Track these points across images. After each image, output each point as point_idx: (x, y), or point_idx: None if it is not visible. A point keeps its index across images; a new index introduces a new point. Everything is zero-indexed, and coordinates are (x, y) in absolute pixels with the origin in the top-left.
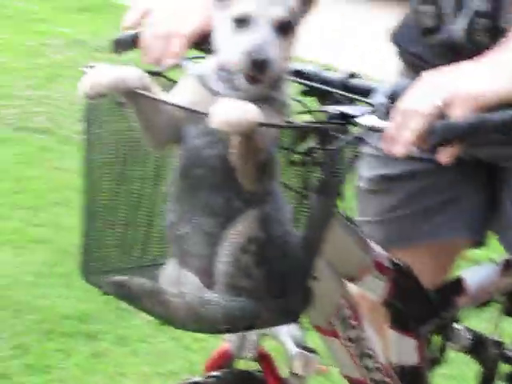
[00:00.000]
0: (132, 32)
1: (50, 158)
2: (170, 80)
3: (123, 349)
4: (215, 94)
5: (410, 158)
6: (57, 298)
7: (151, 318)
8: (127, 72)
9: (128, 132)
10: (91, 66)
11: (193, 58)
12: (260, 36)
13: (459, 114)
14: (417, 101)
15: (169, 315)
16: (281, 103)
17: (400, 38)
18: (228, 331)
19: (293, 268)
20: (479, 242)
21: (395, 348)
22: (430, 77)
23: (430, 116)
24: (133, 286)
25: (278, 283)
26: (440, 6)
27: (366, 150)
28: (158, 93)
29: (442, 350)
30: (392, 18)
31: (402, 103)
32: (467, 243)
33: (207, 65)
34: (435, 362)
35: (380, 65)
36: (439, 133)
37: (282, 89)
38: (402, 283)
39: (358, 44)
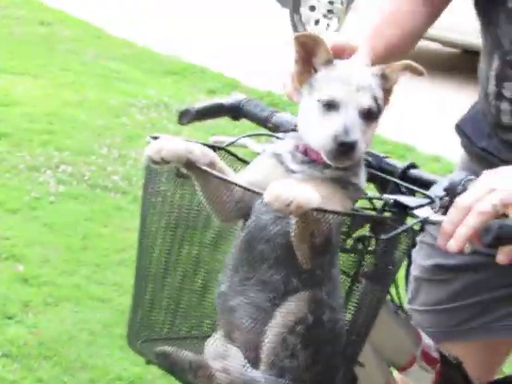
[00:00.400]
0: (198, 105)
1: (120, 217)
2: (232, 155)
3: None
4: (290, 172)
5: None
6: (111, 358)
7: None
8: (194, 146)
9: (187, 202)
10: (156, 137)
11: (254, 134)
12: (348, 120)
13: None
14: (475, 198)
15: None
16: (355, 187)
17: (468, 130)
18: None
19: (339, 354)
20: None
21: None
22: (491, 174)
23: (486, 214)
24: (178, 359)
25: (323, 367)
26: None
27: (423, 238)
28: (223, 168)
29: None
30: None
31: (461, 199)
32: None
33: (283, 144)
34: None
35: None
36: (494, 232)
37: (359, 173)
38: (449, 377)
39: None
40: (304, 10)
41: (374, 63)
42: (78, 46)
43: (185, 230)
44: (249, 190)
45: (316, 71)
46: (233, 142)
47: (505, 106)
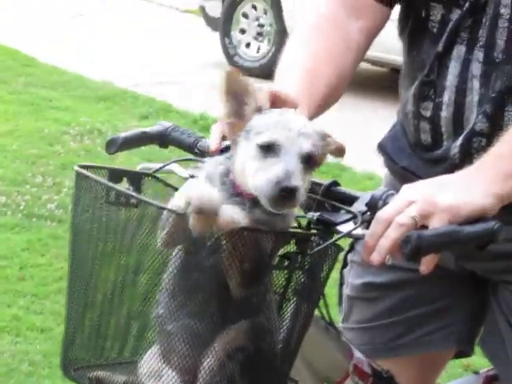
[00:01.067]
0: (125, 133)
1: (57, 246)
2: (160, 181)
3: None
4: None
5: (393, 268)
6: None
7: None
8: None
9: (114, 222)
10: (85, 166)
11: (180, 160)
12: (290, 165)
13: (436, 224)
14: (395, 211)
15: None
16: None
17: (390, 149)
18: None
19: (274, 373)
20: (465, 353)
21: None
22: (409, 188)
23: (405, 226)
24: (111, 383)
25: None
26: (438, 124)
27: (353, 257)
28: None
29: None
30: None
31: (381, 213)
32: (453, 353)
33: (214, 170)
34: None
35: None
36: (413, 242)
37: (286, 218)
38: None
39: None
40: (234, 34)
41: (316, 104)
42: (7, 75)
43: (107, 255)
44: (164, 208)
45: (246, 119)
46: (160, 169)
47: (424, 125)
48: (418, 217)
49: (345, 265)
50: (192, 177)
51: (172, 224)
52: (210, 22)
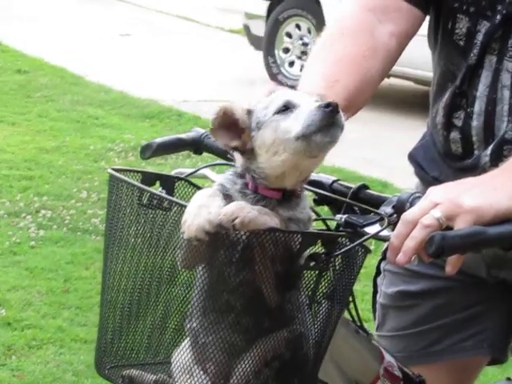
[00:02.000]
0: (160, 139)
1: (101, 260)
2: (194, 185)
3: None
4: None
5: (426, 276)
6: None
7: None
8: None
9: (149, 236)
10: (119, 170)
11: (212, 165)
12: (312, 100)
13: (460, 226)
14: (420, 213)
15: None
16: (304, 222)
17: (420, 159)
18: None
19: (305, 376)
20: (499, 360)
21: None
22: (435, 190)
23: (430, 227)
24: (144, 381)
25: None
26: (469, 133)
27: (386, 266)
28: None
29: None
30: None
31: (406, 214)
32: (487, 361)
33: (232, 184)
34: None
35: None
36: (438, 243)
37: (305, 210)
38: None
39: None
40: (278, 52)
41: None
42: (55, 93)
43: (145, 262)
44: (170, 199)
45: (243, 132)
46: (193, 173)
47: (454, 135)
48: (443, 218)
49: (378, 273)
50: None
51: (188, 243)
52: (254, 40)
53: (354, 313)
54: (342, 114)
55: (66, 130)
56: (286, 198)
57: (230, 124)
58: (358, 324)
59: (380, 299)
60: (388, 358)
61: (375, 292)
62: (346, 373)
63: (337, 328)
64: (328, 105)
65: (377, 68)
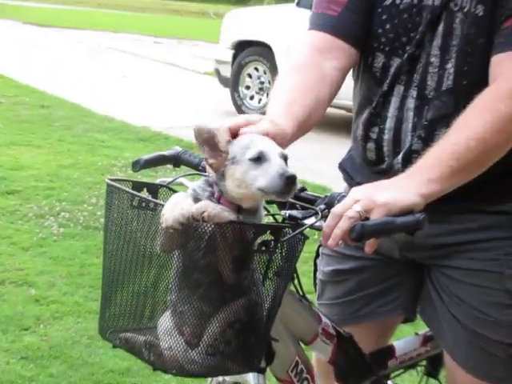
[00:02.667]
0: (146, 156)
1: None
2: (173, 190)
3: None
4: None
5: (353, 257)
6: (106, 356)
7: None
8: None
9: (136, 222)
10: (114, 180)
11: (188, 175)
12: (280, 162)
13: (375, 217)
14: (344, 207)
15: (162, 364)
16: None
17: (348, 168)
18: (206, 377)
19: (259, 335)
20: (410, 319)
21: None
22: (356, 189)
23: (352, 218)
24: (135, 341)
25: (248, 347)
26: (382, 144)
27: (323, 250)
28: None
29: None
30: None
31: (334, 209)
32: (401, 320)
33: (202, 191)
34: None
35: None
36: (357, 231)
37: (260, 217)
38: (344, 348)
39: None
40: (241, 89)
41: (294, 124)
42: (71, 123)
43: (135, 246)
44: (154, 201)
45: (223, 154)
46: (172, 181)
47: (370, 145)
48: (362, 211)
49: (317, 256)
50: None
51: (166, 231)
52: (223, 80)
53: (298, 287)
54: (296, 186)
55: (79, 151)
56: (241, 211)
57: (212, 143)
58: (301, 294)
59: (319, 276)
60: (325, 320)
61: (315, 270)
62: (293, 332)
63: (285, 297)
64: (289, 177)
65: (324, 93)
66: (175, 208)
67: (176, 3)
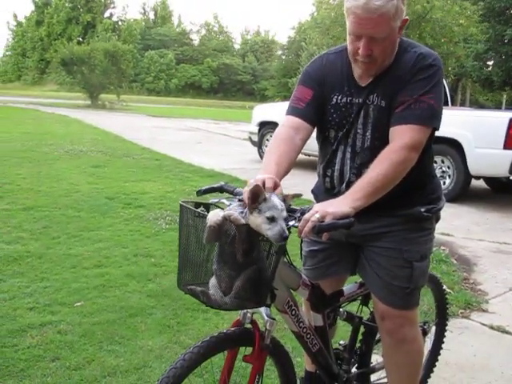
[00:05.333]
0: (204, 187)
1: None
2: (218, 207)
3: None
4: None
5: (320, 242)
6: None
7: None
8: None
9: (198, 225)
10: (184, 201)
11: (228, 198)
12: (282, 225)
13: (327, 220)
14: (310, 215)
15: (210, 303)
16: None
17: (316, 192)
18: (233, 310)
19: (265, 284)
20: (352, 275)
21: (313, 319)
22: (317, 205)
23: (313, 222)
24: (196, 291)
25: (259, 291)
26: (333, 179)
27: (304, 239)
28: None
29: (335, 319)
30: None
31: (304, 216)
32: (348, 276)
33: (236, 205)
34: (331, 324)
35: None
36: (317, 229)
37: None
38: (315, 292)
39: None
40: (263, 148)
41: (280, 174)
42: (171, 168)
43: (196, 236)
44: (203, 213)
45: (259, 203)
46: (217, 202)
47: (327, 179)
48: (320, 217)
49: (301, 242)
50: (229, 204)
51: (209, 229)
52: (254, 143)
53: (288, 259)
54: (288, 238)
55: (176, 183)
56: None
57: (256, 197)
58: (290, 263)
59: (303, 253)
60: (304, 277)
61: (301, 249)
62: (285, 283)
63: (281, 264)
64: (285, 238)
65: (293, 155)
66: (214, 215)
67: (227, 101)
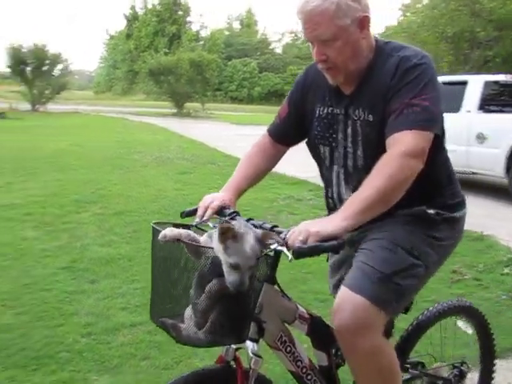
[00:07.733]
0: (191, 208)
1: None
2: (200, 229)
3: None
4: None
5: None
6: None
7: None
8: (183, 231)
9: (173, 252)
10: (159, 223)
11: (212, 218)
12: (243, 278)
13: (311, 241)
14: (296, 234)
15: (180, 339)
16: None
17: (326, 207)
18: (211, 347)
19: (246, 318)
20: None
21: (317, 357)
22: (302, 224)
23: (301, 241)
24: (167, 324)
25: (237, 326)
26: (333, 198)
27: (330, 258)
28: (196, 239)
29: (343, 358)
30: None
31: (290, 234)
32: None
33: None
34: (339, 364)
35: None
36: (296, 253)
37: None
38: (316, 325)
39: None
40: None
41: (250, 182)
42: (228, 171)
43: (170, 261)
44: (203, 246)
45: (228, 241)
46: (200, 223)
47: (328, 199)
48: (304, 238)
49: (327, 260)
50: (213, 227)
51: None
52: None
53: (280, 288)
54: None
55: (258, 191)
56: None
57: (225, 233)
58: (283, 292)
59: (328, 263)
60: (300, 308)
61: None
62: (280, 316)
63: (271, 294)
64: (243, 290)
65: (270, 166)
66: (169, 231)
67: (264, 107)
